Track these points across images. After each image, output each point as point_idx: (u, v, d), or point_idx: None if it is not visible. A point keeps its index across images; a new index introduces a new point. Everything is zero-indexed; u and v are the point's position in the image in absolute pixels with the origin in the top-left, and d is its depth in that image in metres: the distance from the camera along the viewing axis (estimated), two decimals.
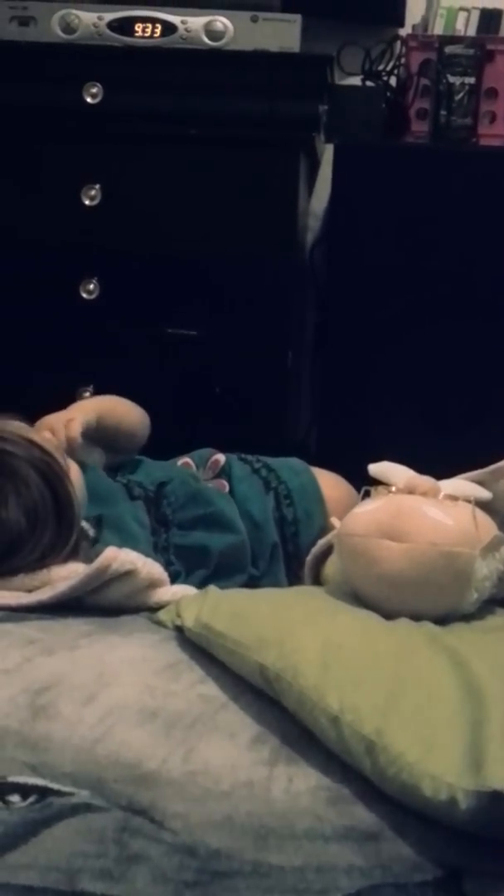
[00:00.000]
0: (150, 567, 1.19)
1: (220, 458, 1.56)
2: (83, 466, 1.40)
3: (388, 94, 2.11)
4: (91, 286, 1.91)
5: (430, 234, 1.95)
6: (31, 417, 1.40)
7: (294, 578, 1.46)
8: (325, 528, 1.46)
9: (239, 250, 1.90)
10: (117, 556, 1.15)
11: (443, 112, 2.01)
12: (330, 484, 1.57)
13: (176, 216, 1.91)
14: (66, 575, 1.19)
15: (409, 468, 1.23)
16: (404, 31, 2.19)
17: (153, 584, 1.20)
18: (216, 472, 1.54)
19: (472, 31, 2.12)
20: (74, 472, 1.34)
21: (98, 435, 1.46)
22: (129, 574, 1.16)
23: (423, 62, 2.05)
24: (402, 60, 2.12)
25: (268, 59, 1.87)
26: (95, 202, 1.90)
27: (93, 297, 1.92)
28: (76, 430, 1.38)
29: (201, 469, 1.55)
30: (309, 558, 1.36)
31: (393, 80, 2.14)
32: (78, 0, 1.93)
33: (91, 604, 1.16)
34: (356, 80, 2.17)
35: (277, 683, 0.88)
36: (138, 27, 1.90)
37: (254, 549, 1.45)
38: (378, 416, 1.95)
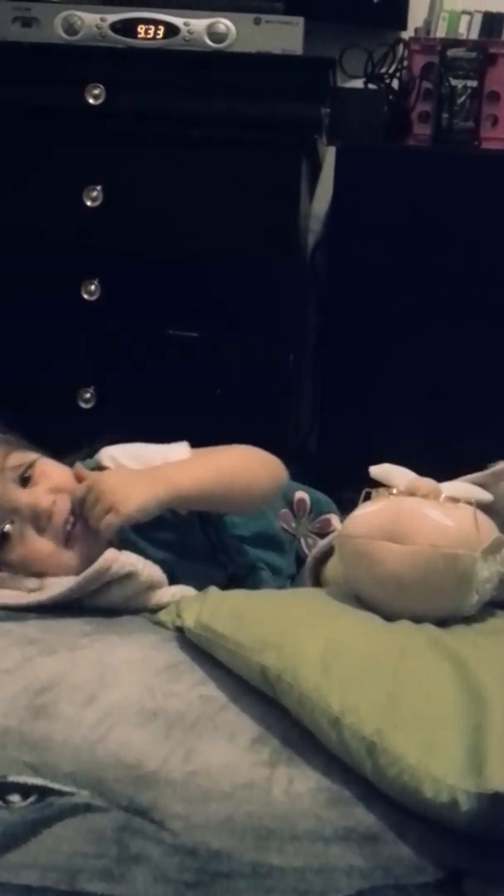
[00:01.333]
0: (150, 569, 1.19)
1: (304, 496, 1.48)
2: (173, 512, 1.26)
3: (391, 97, 2.11)
4: (92, 287, 1.91)
5: (431, 237, 1.95)
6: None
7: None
8: None
9: (240, 252, 1.90)
10: (117, 559, 1.14)
11: (445, 115, 2.01)
12: None
13: (177, 218, 1.91)
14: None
15: (410, 470, 1.23)
16: (407, 35, 2.19)
17: (153, 586, 1.20)
18: (313, 524, 1.48)
19: (474, 35, 2.12)
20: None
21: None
22: (129, 576, 1.15)
23: (426, 65, 2.05)
24: (405, 63, 2.13)
25: (270, 62, 1.87)
26: (97, 203, 1.90)
27: (94, 298, 1.92)
28: (110, 528, 1.18)
29: (302, 519, 1.47)
30: (309, 560, 1.35)
31: (395, 83, 2.15)
32: (81, 1, 1.93)
33: (91, 605, 1.15)
34: (358, 83, 2.17)
35: (278, 684, 0.88)
36: (141, 29, 1.90)
37: None
38: (379, 417, 1.95)
